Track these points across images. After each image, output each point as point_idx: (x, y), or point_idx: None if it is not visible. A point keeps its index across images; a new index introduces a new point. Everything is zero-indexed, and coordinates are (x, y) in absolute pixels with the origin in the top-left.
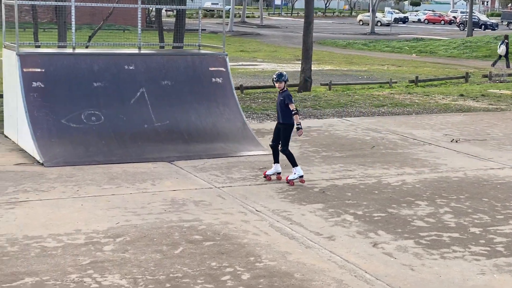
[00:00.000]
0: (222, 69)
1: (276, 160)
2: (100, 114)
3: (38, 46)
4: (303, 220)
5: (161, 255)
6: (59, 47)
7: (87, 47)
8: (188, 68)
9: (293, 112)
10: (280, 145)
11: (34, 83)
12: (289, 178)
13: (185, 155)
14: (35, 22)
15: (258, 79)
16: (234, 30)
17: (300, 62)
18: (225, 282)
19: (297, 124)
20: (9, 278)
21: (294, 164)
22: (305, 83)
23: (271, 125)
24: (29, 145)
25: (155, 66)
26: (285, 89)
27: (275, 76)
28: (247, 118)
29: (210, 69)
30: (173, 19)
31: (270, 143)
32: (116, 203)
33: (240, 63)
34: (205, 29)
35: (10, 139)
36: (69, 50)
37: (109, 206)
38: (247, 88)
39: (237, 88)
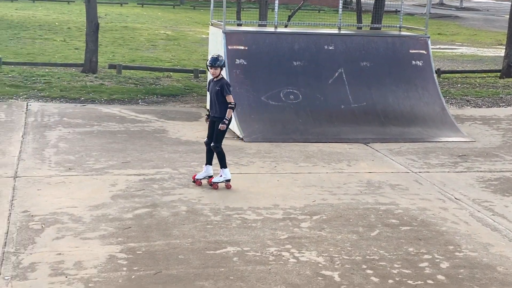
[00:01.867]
0: (423, 51)
1: (209, 161)
2: (298, 92)
3: (240, 25)
4: (506, 212)
5: (357, 236)
6: (259, 25)
7: (286, 26)
8: (388, 49)
9: (229, 106)
10: (213, 142)
11: (237, 60)
12: (213, 180)
13: (381, 137)
14: (239, 2)
15: (457, 63)
16: (432, 12)
17: (502, 46)
18: (423, 269)
19: (227, 119)
20: (213, 246)
21: (223, 165)
22: (509, 69)
23: (471, 111)
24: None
25: (354, 47)
26: (221, 76)
27: (209, 61)
28: (445, 103)
29: (410, 51)
30: (370, 1)
31: (205, 139)
32: (312, 181)
33: (438, 46)
34: (399, 11)
35: None
36: (271, 29)
37: (305, 184)
38: (445, 72)
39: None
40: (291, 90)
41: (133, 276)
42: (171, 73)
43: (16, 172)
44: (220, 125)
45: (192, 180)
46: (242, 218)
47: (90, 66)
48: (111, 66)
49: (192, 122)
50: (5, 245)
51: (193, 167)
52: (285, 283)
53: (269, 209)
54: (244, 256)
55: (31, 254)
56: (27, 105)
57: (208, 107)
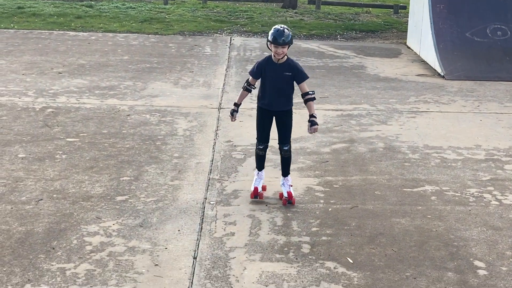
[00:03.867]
0: None
1: (262, 167)
2: (506, 28)
3: None
4: None
5: None
6: None
7: None
8: None
9: (309, 97)
10: (282, 143)
11: None
12: (291, 192)
13: None
14: None
15: None
16: None
17: None
18: None
19: (315, 116)
20: (410, 184)
21: (289, 170)
22: None
23: None
24: (431, 57)
25: None
26: (287, 57)
27: (274, 36)
28: None
29: None
30: None
31: (259, 145)
32: None
33: None
34: None
35: (413, 50)
36: None
37: (510, 124)
38: None
39: None
40: (498, 26)
41: (329, 209)
42: (370, 8)
43: (220, 104)
44: (312, 127)
45: (254, 196)
46: (441, 157)
47: (290, 1)
48: (311, 2)
49: (392, 59)
50: (210, 172)
51: (391, 104)
52: (485, 225)
53: (470, 149)
54: (442, 196)
55: (233, 182)
56: (230, 40)
57: (260, 98)
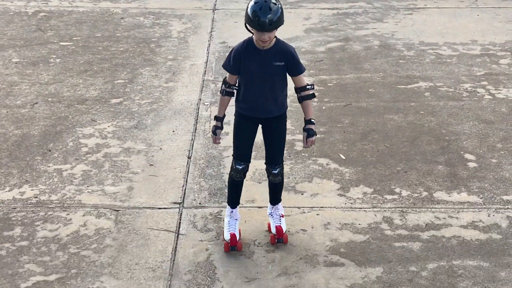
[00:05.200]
0: None
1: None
2: None
3: None
4: None
5: None
6: None
7: None
8: None
9: (307, 92)
10: (270, 162)
11: None
12: (284, 230)
13: None
14: None
15: None
16: None
17: None
18: None
19: (314, 121)
20: (405, 80)
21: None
22: None
23: None
24: None
25: None
26: (276, 39)
27: (261, 18)
28: None
29: None
30: None
31: (237, 165)
32: None
33: None
34: None
35: None
36: None
37: (508, 19)
38: None
39: None
40: None
41: (323, 107)
42: None
43: (215, 5)
44: (309, 138)
45: (230, 246)
46: (436, 53)
47: None
48: None
49: None
50: (204, 73)
51: (388, 1)
52: (478, 119)
53: (466, 44)
54: (436, 92)
55: None
56: None
57: (239, 100)
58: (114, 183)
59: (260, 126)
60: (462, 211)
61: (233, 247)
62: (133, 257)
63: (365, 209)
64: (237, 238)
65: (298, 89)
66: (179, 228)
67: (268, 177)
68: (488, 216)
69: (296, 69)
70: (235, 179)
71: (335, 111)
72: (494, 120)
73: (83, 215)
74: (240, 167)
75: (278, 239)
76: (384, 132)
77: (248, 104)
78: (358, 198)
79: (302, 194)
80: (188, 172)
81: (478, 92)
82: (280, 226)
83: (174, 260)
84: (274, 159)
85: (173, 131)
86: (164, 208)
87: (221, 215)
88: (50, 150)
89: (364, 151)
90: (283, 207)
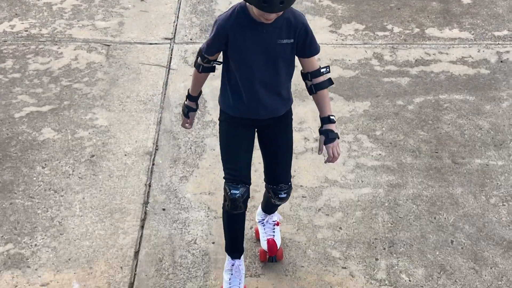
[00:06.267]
0: None
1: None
2: None
3: None
4: None
5: None
6: None
7: None
8: None
9: (321, 77)
10: (274, 182)
11: None
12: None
13: None
14: None
15: None
16: None
17: None
18: None
19: (334, 119)
20: None
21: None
22: None
23: None
24: None
25: None
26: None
27: None
28: None
29: None
30: None
31: (232, 189)
32: None
33: None
34: None
35: None
36: None
37: None
38: None
39: None
40: None
41: None
42: None
43: None
44: (330, 144)
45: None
46: None
47: None
48: None
49: None
50: None
51: None
52: None
53: None
54: None
55: None
56: None
57: (227, 98)
58: (104, 18)
59: (257, 133)
60: (453, 47)
61: None
62: (125, 90)
63: (356, 46)
64: None
65: (309, 75)
66: (170, 63)
67: (271, 199)
68: (478, 51)
69: (310, 48)
70: (232, 213)
71: None
72: None
73: (74, 49)
74: (238, 193)
75: (270, 257)
76: None
77: (242, 102)
78: (349, 34)
79: None
80: (179, 8)
81: None
82: (273, 239)
83: (165, 94)
84: (281, 177)
85: None
86: (155, 43)
87: None
88: None
89: None
90: None
